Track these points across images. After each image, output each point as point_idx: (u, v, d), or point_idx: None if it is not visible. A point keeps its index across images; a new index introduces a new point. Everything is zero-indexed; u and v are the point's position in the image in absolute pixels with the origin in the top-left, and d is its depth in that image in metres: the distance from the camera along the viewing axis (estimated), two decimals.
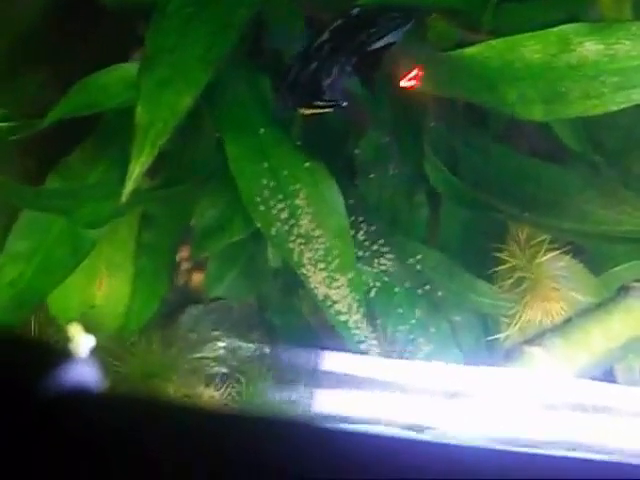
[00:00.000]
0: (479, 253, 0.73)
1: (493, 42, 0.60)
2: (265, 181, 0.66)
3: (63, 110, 0.57)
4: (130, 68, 0.59)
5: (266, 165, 0.67)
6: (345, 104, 0.63)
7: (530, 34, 0.59)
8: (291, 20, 0.73)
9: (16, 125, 0.58)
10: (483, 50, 0.60)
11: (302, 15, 0.73)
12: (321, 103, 0.62)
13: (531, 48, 0.59)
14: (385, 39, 0.64)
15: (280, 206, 0.66)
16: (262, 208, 0.65)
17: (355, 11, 0.64)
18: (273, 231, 0.65)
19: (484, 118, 0.74)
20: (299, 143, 0.70)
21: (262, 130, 0.68)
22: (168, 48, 0.53)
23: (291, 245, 0.65)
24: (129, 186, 0.51)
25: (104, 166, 0.70)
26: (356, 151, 0.76)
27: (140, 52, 0.59)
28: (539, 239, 0.70)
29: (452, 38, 0.69)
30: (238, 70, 0.70)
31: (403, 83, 0.68)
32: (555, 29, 0.60)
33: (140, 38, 0.64)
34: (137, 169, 0.51)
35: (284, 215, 0.66)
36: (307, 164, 0.68)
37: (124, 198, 0.51)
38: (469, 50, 0.61)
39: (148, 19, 0.58)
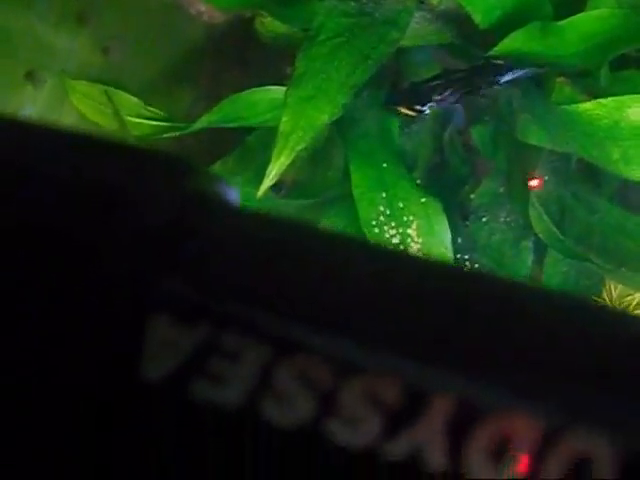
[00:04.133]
0: None
1: (604, 101, 0.65)
2: (382, 208, 0.73)
3: (212, 119, 0.66)
4: (277, 91, 0.68)
5: (384, 195, 0.73)
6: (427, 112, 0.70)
7: (638, 96, 0.64)
8: (426, 69, 0.80)
9: (170, 125, 0.66)
10: (594, 107, 0.65)
11: (437, 67, 0.80)
12: (418, 107, 0.69)
13: (636, 109, 0.64)
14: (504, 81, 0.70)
15: (392, 232, 0.72)
16: (376, 231, 0.71)
17: (482, 63, 0.70)
18: None
19: (594, 174, 0.79)
20: (419, 182, 0.76)
21: (385, 164, 0.75)
22: (314, 71, 0.61)
23: None
24: (266, 183, 0.58)
25: (243, 180, 0.78)
26: (472, 196, 0.82)
27: (285, 80, 0.67)
28: (630, 297, 0.74)
29: (576, 102, 0.75)
30: (371, 109, 0.77)
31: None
32: None
33: (287, 74, 0.72)
34: (275, 169, 0.58)
35: (395, 240, 0.72)
36: (423, 199, 0.75)
37: (260, 193, 0.58)
38: (582, 106, 0.66)
39: (293, 53, 0.66)
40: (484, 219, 0.81)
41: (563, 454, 0.13)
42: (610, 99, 0.65)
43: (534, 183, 0.78)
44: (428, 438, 0.13)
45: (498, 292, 0.15)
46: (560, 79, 0.77)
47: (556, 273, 0.80)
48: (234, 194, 0.16)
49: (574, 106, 0.67)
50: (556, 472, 0.13)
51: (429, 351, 0.14)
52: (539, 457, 0.13)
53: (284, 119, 0.59)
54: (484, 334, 0.14)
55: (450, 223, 0.75)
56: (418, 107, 0.68)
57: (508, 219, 0.81)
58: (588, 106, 0.66)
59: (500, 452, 0.13)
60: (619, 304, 0.75)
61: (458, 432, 0.13)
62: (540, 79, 0.72)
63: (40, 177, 0.15)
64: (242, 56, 0.76)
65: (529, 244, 0.80)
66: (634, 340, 0.15)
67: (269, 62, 0.78)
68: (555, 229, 0.73)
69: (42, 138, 0.17)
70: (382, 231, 0.72)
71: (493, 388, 0.14)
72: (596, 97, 0.69)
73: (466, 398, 0.14)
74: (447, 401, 0.14)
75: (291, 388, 0.14)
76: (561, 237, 0.73)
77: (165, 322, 0.14)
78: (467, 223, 0.80)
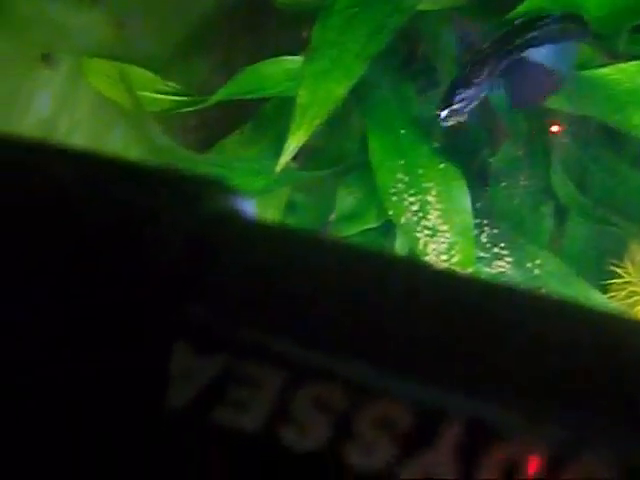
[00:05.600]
0: (597, 266, 0.77)
1: (624, 65, 0.64)
2: (400, 176, 0.73)
3: (228, 91, 0.66)
4: (293, 61, 0.67)
5: (403, 162, 0.73)
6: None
7: None
8: (443, 35, 0.79)
9: (187, 100, 0.67)
10: (614, 72, 0.65)
11: (454, 31, 0.79)
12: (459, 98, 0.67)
13: None
14: (542, 46, 0.68)
15: (412, 199, 0.72)
16: (395, 199, 0.71)
17: (518, 21, 0.69)
18: (403, 220, 0.71)
19: (615, 137, 0.78)
20: (437, 145, 0.76)
21: (403, 131, 0.75)
22: (330, 43, 0.61)
23: (418, 235, 0.71)
24: (284, 158, 0.59)
25: (258, 150, 0.78)
26: (490, 160, 0.82)
27: (302, 50, 0.67)
28: None
29: (596, 63, 0.74)
30: (388, 75, 0.77)
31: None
32: None
33: (303, 38, 0.72)
34: (294, 143, 0.58)
35: (414, 208, 0.72)
36: (441, 165, 0.74)
37: (279, 168, 0.58)
38: (601, 71, 0.65)
39: (311, 21, 0.65)
40: (503, 183, 0.81)
41: (571, 475, 0.14)
42: (630, 64, 0.64)
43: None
44: (440, 462, 0.14)
45: (516, 310, 0.16)
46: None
47: (577, 237, 0.79)
48: (251, 207, 0.17)
49: (594, 71, 0.66)
50: None
51: (441, 375, 0.14)
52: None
53: (301, 93, 0.59)
54: (497, 356, 0.15)
55: (469, 188, 0.75)
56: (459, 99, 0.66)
57: (528, 183, 0.81)
58: (608, 71, 0.65)
59: (511, 475, 0.14)
60: None
61: (469, 456, 0.14)
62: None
63: (67, 202, 0.16)
64: (257, 24, 0.75)
65: (549, 209, 0.80)
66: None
67: (285, 29, 0.78)
68: (577, 192, 0.73)
69: (66, 161, 0.17)
70: (401, 199, 0.72)
71: (503, 412, 0.14)
72: (616, 60, 0.69)
73: (477, 422, 0.14)
74: (458, 425, 0.14)
75: (308, 413, 0.14)
76: (583, 200, 0.73)
77: (188, 350, 0.14)
78: (486, 188, 0.80)
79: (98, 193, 0.16)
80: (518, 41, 0.67)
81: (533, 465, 0.14)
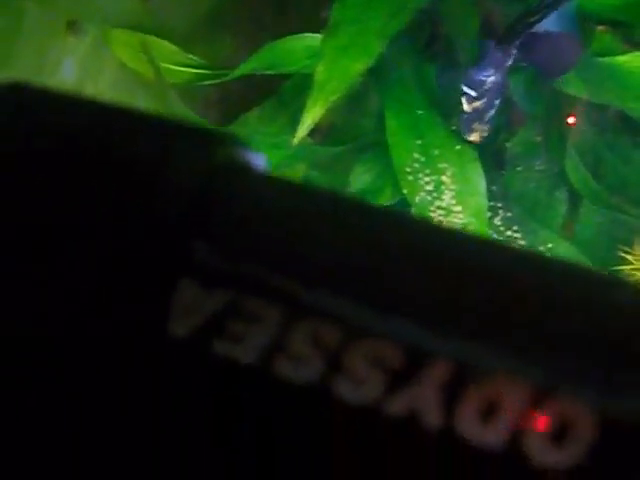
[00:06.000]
0: (607, 251, 0.78)
1: None
2: (417, 156, 0.73)
3: (249, 66, 0.67)
4: (314, 39, 0.68)
5: (419, 142, 0.74)
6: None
7: None
8: (465, 17, 0.80)
9: (209, 73, 0.68)
10: (633, 59, 0.65)
11: (476, 13, 0.80)
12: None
13: None
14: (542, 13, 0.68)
15: (427, 179, 0.73)
16: (410, 178, 0.72)
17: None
18: (417, 199, 0.72)
19: (632, 125, 0.78)
20: (454, 128, 0.77)
21: (420, 112, 0.76)
22: (350, 20, 0.62)
23: (432, 214, 0.72)
24: (301, 132, 0.60)
25: (278, 126, 0.79)
26: (507, 144, 0.82)
27: (324, 25, 0.68)
28: None
29: (614, 51, 0.74)
30: (408, 56, 0.77)
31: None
32: None
33: (322, 18, 0.73)
34: (310, 118, 0.59)
35: (429, 187, 0.73)
36: (458, 147, 0.75)
37: (296, 141, 0.59)
38: (620, 58, 0.66)
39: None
40: (519, 168, 0.81)
41: (547, 415, 0.14)
42: None
43: (571, 120, 0.77)
44: (424, 398, 0.15)
45: (503, 260, 0.16)
46: (600, 28, 0.76)
47: (590, 224, 0.80)
48: (261, 160, 0.18)
49: (612, 58, 0.66)
50: (541, 432, 0.14)
51: (430, 316, 0.15)
52: (525, 418, 0.14)
53: (319, 69, 0.60)
54: (483, 301, 0.16)
55: (485, 171, 0.76)
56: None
57: (543, 168, 0.81)
58: (626, 58, 0.66)
59: (490, 412, 0.15)
60: None
61: (451, 393, 0.15)
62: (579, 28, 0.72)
63: (79, 148, 0.17)
64: (283, 1, 0.76)
65: (563, 194, 0.80)
66: (627, 308, 0.16)
67: (310, 6, 0.78)
68: (591, 179, 0.74)
69: (78, 110, 0.18)
70: (416, 178, 0.73)
71: (486, 353, 0.15)
72: (635, 48, 0.69)
73: (461, 362, 0.15)
74: (443, 364, 0.15)
75: (303, 348, 0.15)
76: (596, 187, 0.73)
77: (193, 285, 0.15)
78: (502, 172, 0.81)
79: (110, 139, 0.17)
80: (531, 19, 0.68)
81: (511, 403, 0.15)
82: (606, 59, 0.67)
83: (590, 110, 0.78)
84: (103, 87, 0.69)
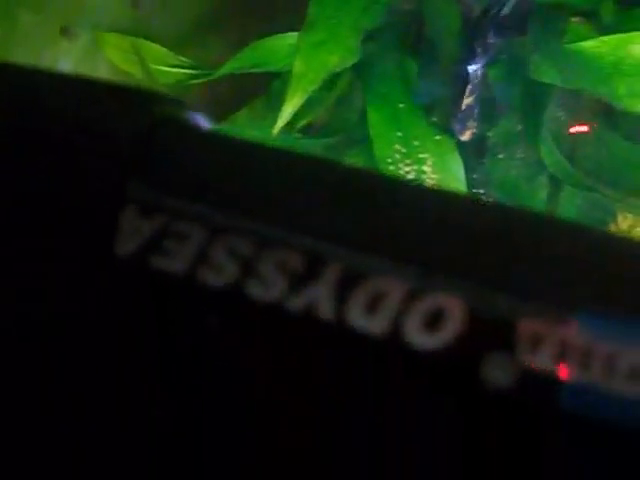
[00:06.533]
0: None
1: (606, 38, 0.68)
2: (398, 147, 0.77)
3: (234, 65, 0.70)
4: (295, 37, 0.71)
5: (400, 134, 0.77)
6: None
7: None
8: (447, 14, 0.83)
9: (196, 73, 0.71)
10: (598, 45, 0.68)
11: (458, 11, 0.83)
12: None
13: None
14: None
15: (408, 169, 0.76)
16: (392, 168, 0.76)
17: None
18: None
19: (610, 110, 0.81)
20: (435, 119, 0.80)
21: (401, 105, 0.79)
22: (326, 17, 0.65)
23: None
24: (280, 122, 0.63)
25: (268, 124, 0.82)
26: (489, 134, 0.85)
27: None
28: (639, 229, 0.77)
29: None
30: (390, 52, 0.81)
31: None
32: None
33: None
34: (289, 109, 0.63)
35: (411, 177, 0.76)
36: (437, 137, 0.78)
37: (275, 130, 0.63)
38: (587, 44, 0.69)
39: None
40: (500, 156, 0.84)
41: (424, 307, 0.18)
42: (613, 36, 0.68)
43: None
44: (320, 296, 0.18)
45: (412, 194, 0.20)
46: (575, 19, 0.79)
47: (570, 206, 0.83)
48: (202, 120, 0.21)
49: (580, 44, 0.70)
50: (417, 321, 0.18)
51: (327, 228, 0.19)
52: (405, 309, 0.18)
53: (297, 63, 0.63)
54: (375, 219, 0.19)
55: (466, 160, 0.79)
56: None
57: (524, 156, 0.84)
58: (592, 44, 0.69)
59: (374, 306, 0.18)
60: (628, 235, 0.78)
61: (343, 291, 0.18)
62: (550, 19, 0.75)
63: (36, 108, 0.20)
64: (270, 3, 0.80)
65: (544, 179, 0.83)
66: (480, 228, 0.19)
67: (298, 9, 0.82)
68: (566, 162, 0.77)
69: (34, 80, 0.22)
70: (397, 168, 0.76)
71: (373, 256, 0.18)
72: (603, 32, 0.72)
73: (352, 264, 0.18)
74: (336, 267, 0.18)
75: (222, 258, 0.18)
76: (571, 170, 0.76)
77: (133, 213, 0.19)
78: (483, 160, 0.84)
79: (66, 104, 0.21)
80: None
81: (392, 297, 0.18)
82: (574, 45, 0.70)
83: (564, 97, 0.81)
84: None
